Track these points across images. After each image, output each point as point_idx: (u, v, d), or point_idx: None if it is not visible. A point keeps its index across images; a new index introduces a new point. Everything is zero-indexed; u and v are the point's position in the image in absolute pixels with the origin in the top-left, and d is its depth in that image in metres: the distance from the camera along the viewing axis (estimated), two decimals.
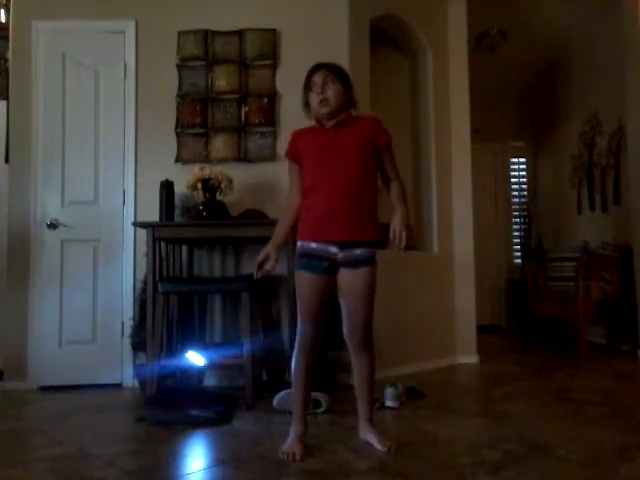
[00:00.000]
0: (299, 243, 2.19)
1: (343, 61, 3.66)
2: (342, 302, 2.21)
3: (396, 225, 2.14)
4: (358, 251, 2.13)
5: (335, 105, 2.15)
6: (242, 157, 3.68)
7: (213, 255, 3.71)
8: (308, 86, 2.18)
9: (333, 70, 2.18)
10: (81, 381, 3.55)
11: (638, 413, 2.74)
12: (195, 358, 3.16)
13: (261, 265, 2.18)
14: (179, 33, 3.73)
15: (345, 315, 2.21)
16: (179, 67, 3.74)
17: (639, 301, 4.39)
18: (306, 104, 2.22)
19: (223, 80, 3.73)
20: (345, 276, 2.15)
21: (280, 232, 2.25)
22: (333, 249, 2.13)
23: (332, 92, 2.14)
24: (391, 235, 2.13)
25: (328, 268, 2.14)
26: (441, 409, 2.89)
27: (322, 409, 2.79)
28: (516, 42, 5.87)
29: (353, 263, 2.13)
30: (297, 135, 2.28)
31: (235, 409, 2.82)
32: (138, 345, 3.47)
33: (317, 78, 2.16)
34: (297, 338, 2.20)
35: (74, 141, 3.70)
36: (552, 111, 6.62)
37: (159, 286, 3.08)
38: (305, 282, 2.16)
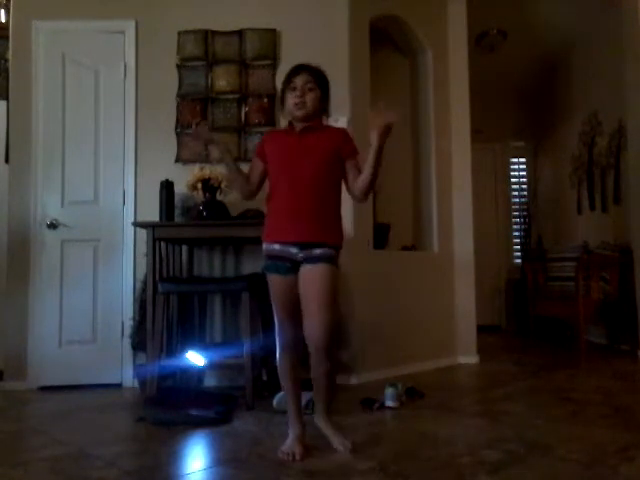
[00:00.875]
0: (264, 245, 2.21)
1: (343, 61, 3.69)
2: (302, 303, 2.14)
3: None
4: (318, 250, 2.12)
5: (311, 110, 2.16)
6: (242, 157, 3.68)
7: (213, 255, 3.71)
8: (288, 85, 2.19)
9: (315, 75, 2.18)
10: (81, 381, 3.55)
11: (638, 413, 2.74)
12: (195, 358, 3.16)
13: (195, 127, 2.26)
14: (179, 33, 3.73)
15: (304, 317, 2.14)
16: (179, 67, 3.74)
17: (639, 301, 4.39)
18: (282, 102, 2.23)
19: (223, 80, 3.73)
20: (303, 272, 2.13)
21: (232, 162, 2.26)
22: (294, 250, 2.13)
23: (310, 98, 2.15)
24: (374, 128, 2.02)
25: (291, 268, 2.14)
26: (441, 409, 2.89)
27: None
28: (516, 42, 5.86)
29: (312, 260, 2.12)
30: (267, 136, 2.34)
31: (235, 409, 2.82)
32: (138, 345, 3.47)
33: (299, 81, 2.16)
34: (277, 340, 2.20)
35: (74, 141, 3.70)
36: (552, 111, 6.62)
37: (159, 286, 3.08)
38: (273, 283, 2.18)
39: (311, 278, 2.11)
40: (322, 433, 2.25)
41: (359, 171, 2.17)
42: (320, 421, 2.27)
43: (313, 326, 2.10)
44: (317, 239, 2.13)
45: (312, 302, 2.10)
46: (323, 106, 2.21)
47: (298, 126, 2.20)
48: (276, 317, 2.20)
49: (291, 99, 2.16)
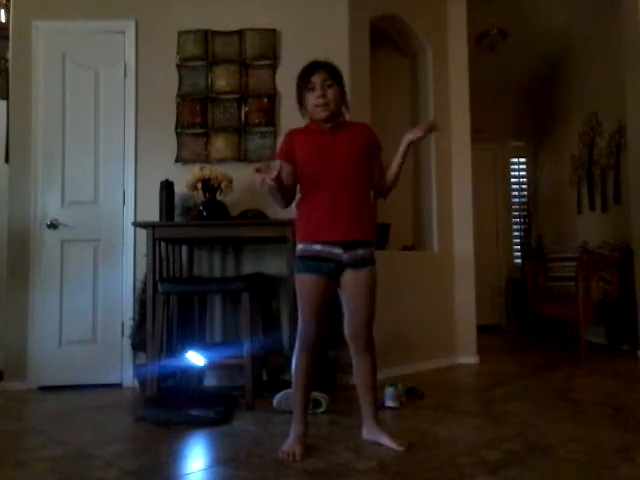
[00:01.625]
0: (300, 246, 2.18)
1: (343, 61, 3.67)
2: (345, 303, 2.21)
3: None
4: (361, 251, 2.15)
5: (334, 108, 2.15)
6: (242, 157, 3.68)
7: (213, 255, 3.71)
8: (306, 86, 2.15)
9: (332, 72, 2.16)
10: (81, 381, 3.55)
11: (638, 413, 2.74)
12: (195, 358, 3.16)
13: (260, 171, 2.00)
14: (179, 33, 3.73)
15: (348, 316, 2.21)
16: (179, 67, 3.74)
17: (639, 301, 4.39)
18: (300, 102, 2.19)
19: (223, 80, 3.73)
20: (349, 277, 2.16)
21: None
22: (337, 250, 2.13)
23: (332, 96, 2.13)
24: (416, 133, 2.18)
25: (333, 270, 2.14)
26: (441, 409, 2.89)
27: (322, 409, 2.79)
28: (516, 42, 5.87)
29: (357, 263, 2.14)
30: (293, 135, 2.24)
31: (235, 409, 2.82)
32: (138, 345, 3.47)
33: (317, 79, 2.13)
34: (298, 339, 2.19)
35: (74, 141, 3.70)
36: (552, 111, 6.62)
37: (159, 286, 3.08)
38: (309, 284, 2.14)
39: (359, 282, 2.16)
40: (376, 442, 2.24)
41: (382, 168, 2.26)
42: (372, 428, 2.26)
43: (359, 327, 2.19)
44: (360, 237, 2.14)
45: (361, 304, 2.17)
46: (343, 101, 2.21)
47: (326, 125, 2.18)
48: (301, 317, 2.18)
49: (312, 100, 2.13)
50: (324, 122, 2.18)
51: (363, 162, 2.19)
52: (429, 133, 2.20)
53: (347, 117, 2.28)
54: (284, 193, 2.14)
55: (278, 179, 2.00)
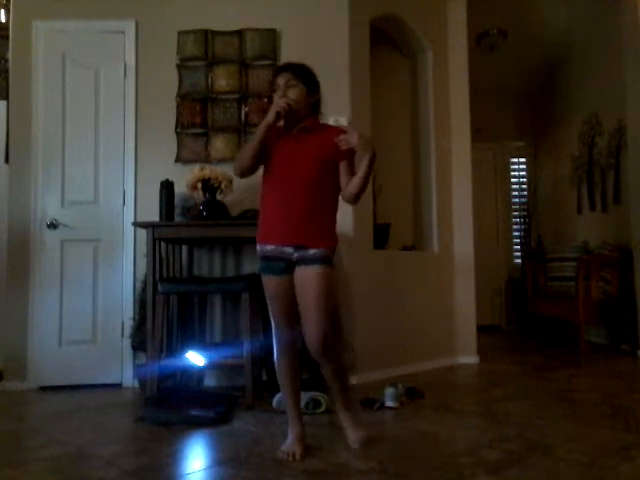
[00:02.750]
0: (258, 246, 2.19)
1: (343, 61, 3.69)
2: (298, 305, 2.14)
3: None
4: (312, 251, 2.10)
5: (295, 108, 2.11)
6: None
7: (213, 255, 3.71)
8: (272, 87, 2.18)
9: (296, 72, 2.16)
10: (81, 381, 3.55)
11: (638, 413, 2.74)
12: (195, 358, 3.16)
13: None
14: (179, 33, 3.73)
15: (302, 320, 2.13)
16: (179, 67, 3.74)
17: (639, 301, 4.39)
18: (270, 104, 2.20)
19: (223, 80, 3.73)
20: (298, 274, 2.12)
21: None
22: (288, 249, 2.12)
23: (293, 95, 2.12)
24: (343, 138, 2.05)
25: (286, 268, 2.13)
26: (441, 409, 2.89)
27: (322, 409, 2.79)
28: (516, 42, 5.87)
29: (307, 261, 2.10)
30: (275, 130, 2.21)
31: (235, 409, 2.82)
32: (138, 345, 3.47)
33: (280, 80, 2.14)
34: (274, 340, 2.19)
35: (74, 141, 3.70)
36: (552, 111, 6.62)
37: (159, 286, 3.08)
38: (268, 284, 2.16)
39: (306, 280, 2.09)
40: (340, 424, 2.27)
41: (352, 173, 2.15)
42: (339, 411, 2.28)
43: (311, 330, 2.09)
44: (310, 243, 2.11)
45: (308, 305, 2.09)
46: (310, 101, 2.17)
47: (295, 127, 2.17)
48: (272, 318, 2.19)
49: (275, 100, 2.14)
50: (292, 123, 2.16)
51: (325, 166, 2.13)
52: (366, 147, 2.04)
53: (329, 120, 2.26)
54: (257, 152, 2.12)
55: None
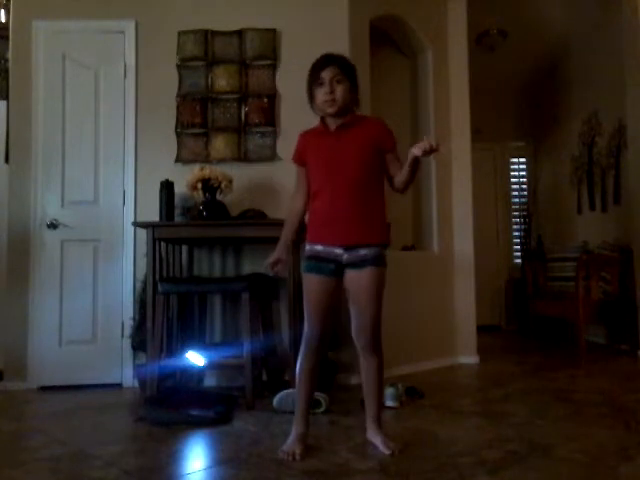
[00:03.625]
0: (307, 246, 2.19)
1: None
2: (350, 303, 2.18)
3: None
4: (363, 251, 2.11)
5: (342, 105, 2.11)
6: (242, 157, 3.68)
7: (213, 255, 3.71)
8: (316, 81, 2.12)
9: (343, 67, 2.13)
10: (81, 381, 3.55)
11: (638, 413, 2.74)
12: (195, 358, 3.16)
13: (273, 266, 2.24)
14: (179, 33, 3.73)
15: (353, 316, 2.18)
16: (179, 67, 3.74)
17: (639, 301, 4.39)
18: (311, 98, 2.17)
19: (223, 80, 3.73)
20: (351, 276, 2.13)
21: (285, 235, 2.27)
22: (338, 251, 2.12)
23: (341, 92, 2.10)
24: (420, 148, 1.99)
25: (335, 270, 2.13)
26: (441, 409, 2.89)
27: (322, 409, 2.79)
28: (516, 42, 5.87)
29: (358, 263, 2.11)
30: (303, 137, 2.26)
31: (235, 409, 2.82)
32: (138, 345, 3.47)
33: (326, 75, 2.10)
34: (303, 339, 2.19)
35: (74, 141, 3.70)
36: (552, 111, 6.62)
37: (159, 286, 3.08)
38: (312, 284, 2.15)
39: (360, 283, 2.11)
40: (370, 441, 2.22)
41: (399, 162, 2.16)
42: (370, 428, 2.24)
43: (365, 331, 2.14)
44: (359, 241, 2.11)
45: (363, 304, 2.12)
46: (354, 97, 2.16)
47: (332, 123, 2.16)
48: (306, 316, 2.17)
49: (320, 95, 2.11)
50: (332, 118, 2.15)
51: (369, 161, 2.13)
52: (428, 154, 2.00)
53: (357, 112, 2.23)
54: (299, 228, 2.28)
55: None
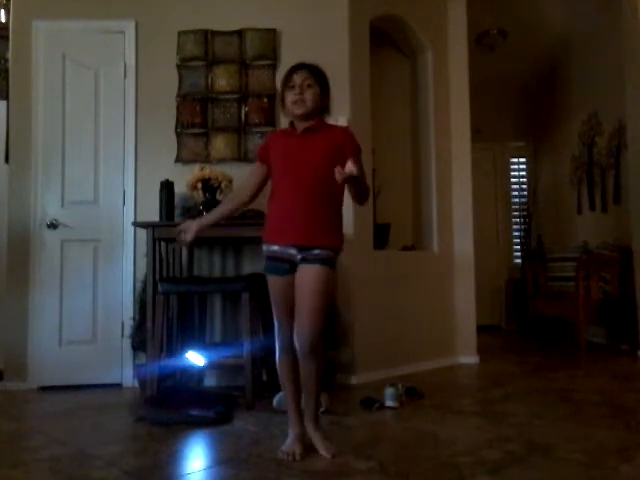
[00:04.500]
0: (264, 246, 2.21)
1: (343, 61, 3.69)
2: (295, 303, 2.14)
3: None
4: (316, 251, 2.11)
5: (310, 108, 2.14)
6: (242, 157, 3.68)
7: (213, 255, 3.71)
8: (287, 84, 2.18)
9: (314, 73, 2.17)
10: (81, 381, 3.55)
11: (638, 413, 2.74)
12: (195, 358, 3.16)
13: (179, 233, 2.30)
14: (179, 33, 3.73)
15: (295, 316, 2.14)
16: (179, 67, 3.74)
17: (639, 301, 4.39)
18: (282, 101, 2.22)
19: (223, 80, 3.73)
20: (299, 272, 2.13)
21: (214, 213, 2.37)
22: (292, 251, 2.13)
23: (310, 95, 2.14)
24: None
25: (290, 269, 2.14)
26: (441, 409, 2.89)
27: (322, 409, 2.78)
28: (516, 42, 5.87)
29: (308, 260, 2.11)
30: (270, 138, 2.33)
31: (235, 409, 2.82)
32: (138, 345, 3.47)
33: (297, 78, 2.15)
34: (276, 341, 2.20)
35: (74, 141, 3.70)
36: (552, 111, 6.62)
37: (159, 286, 3.08)
38: (273, 284, 2.19)
39: (305, 278, 2.10)
40: (309, 437, 2.20)
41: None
42: (309, 423, 2.22)
43: (302, 328, 2.10)
44: (314, 242, 2.11)
45: (303, 303, 2.10)
46: (323, 104, 2.20)
47: (299, 126, 2.18)
48: (275, 318, 2.20)
49: (290, 97, 2.16)
50: (299, 121, 2.18)
51: (328, 168, 2.08)
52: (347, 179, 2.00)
53: (329, 120, 2.27)
54: (230, 212, 2.36)
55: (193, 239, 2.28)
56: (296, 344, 2.12)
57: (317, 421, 2.24)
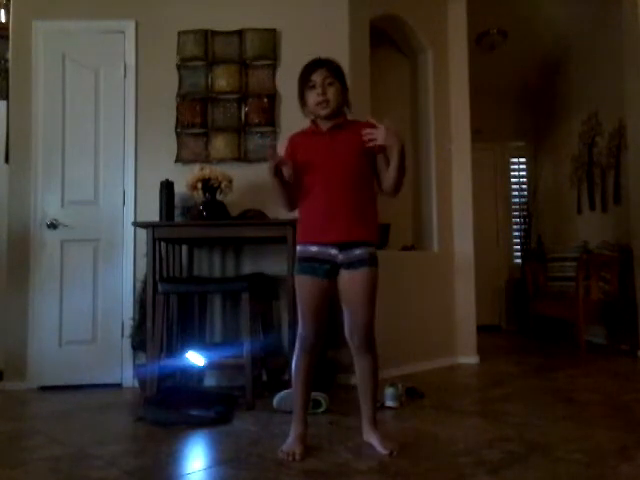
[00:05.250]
0: (299, 247, 2.19)
1: (343, 61, 3.62)
2: (343, 303, 2.19)
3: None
4: (358, 251, 2.12)
5: (335, 106, 2.14)
6: (242, 157, 3.68)
7: (213, 255, 3.71)
8: (307, 84, 2.15)
9: (333, 69, 2.16)
10: (81, 381, 3.55)
11: (638, 413, 2.74)
12: (195, 358, 3.16)
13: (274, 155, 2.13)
14: (179, 33, 3.73)
15: (346, 316, 2.19)
16: (179, 67, 3.74)
17: (639, 301, 4.39)
18: (302, 101, 2.20)
19: (223, 80, 3.73)
20: (345, 277, 2.14)
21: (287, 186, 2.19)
22: (333, 251, 2.13)
23: (332, 94, 2.13)
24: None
25: (329, 271, 2.14)
26: (441, 409, 2.89)
27: (322, 409, 2.79)
28: (516, 42, 5.87)
29: (353, 264, 2.12)
30: (293, 139, 2.28)
31: (235, 409, 2.82)
32: (138, 345, 3.47)
33: (317, 77, 2.13)
34: (297, 340, 2.20)
35: (74, 141, 3.70)
36: (552, 111, 6.62)
37: (159, 286, 3.08)
38: (306, 285, 2.15)
39: (355, 283, 2.12)
40: (368, 442, 2.22)
41: (388, 164, 2.15)
42: (366, 429, 2.24)
43: (358, 329, 2.15)
44: (355, 238, 2.12)
45: (358, 303, 2.13)
46: (345, 98, 2.19)
47: (324, 125, 2.17)
48: (300, 318, 2.18)
49: (313, 98, 2.13)
50: (324, 120, 2.17)
51: (361, 162, 2.15)
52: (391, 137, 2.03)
53: (349, 116, 2.26)
54: (285, 191, 2.18)
55: (278, 167, 2.10)
56: (350, 343, 2.19)
57: (375, 423, 2.25)
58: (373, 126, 2.12)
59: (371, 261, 2.14)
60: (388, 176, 2.14)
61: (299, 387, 2.22)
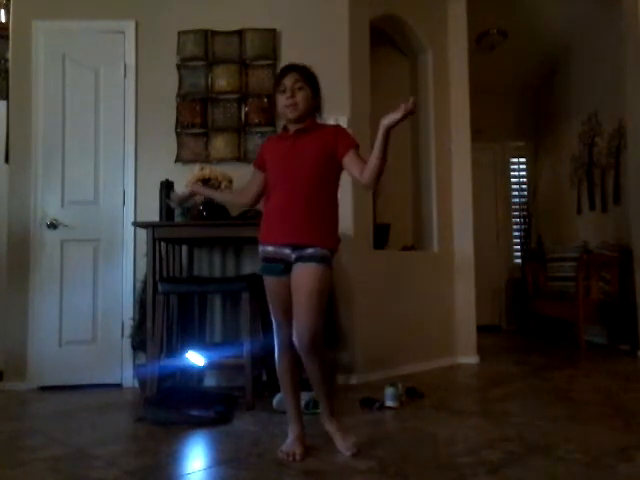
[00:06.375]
0: (260, 247, 2.21)
1: (343, 61, 3.69)
2: (292, 301, 2.13)
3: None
4: (310, 250, 2.10)
5: (302, 111, 2.15)
6: (242, 157, 3.68)
7: (213, 255, 3.71)
8: (278, 88, 2.19)
9: (304, 74, 2.18)
10: (81, 381, 3.55)
11: (638, 413, 2.74)
12: (195, 358, 3.16)
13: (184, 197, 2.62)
14: (179, 33, 3.73)
15: (293, 316, 2.12)
16: (179, 67, 3.74)
17: (639, 301, 4.39)
18: (274, 105, 2.24)
19: (223, 80, 3.73)
20: (294, 271, 2.12)
21: (214, 192, 2.68)
22: (287, 250, 2.13)
23: (301, 98, 2.14)
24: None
25: (285, 269, 2.14)
26: (441, 409, 2.89)
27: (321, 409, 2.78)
28: (516, 42, 5.87)
29: (303, 258, 2.10)
30: (264, 144, 2.35)
31: (235, 409, 2.82)
32: (138, 345, 3.47)
33: (287, 81, 2.15)
34: (275, 339, 2.21)
35: (74, 141, 3.70)
36: (552, 111, 6.62)
37: (159, 286, 3.08)
38: (270, 285, 2.19)
39: (301, 278, 2.09)
40: (327, 432, 2.24)
41: (362, 160, 2.11)
42: (324, 420, 2.26)
43: (301, 328, 2.07)
44: (309, 241, 2.11)
45: (301, 303, 2.08)
46: (315, 104, 2.21)
47: (292, 128, 2.20)
48: (273, 318, 2.21)
49: (282, 101, 2.16)
50: (293, 124, 2.19)
51: (324, 167, 2.14)
52: (405, 117, 1.94)
53: (319, 121, 2.26)
54: (222, 198, 2.80)
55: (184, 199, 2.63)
56: (296, 344, 2.10)
57: (333, 418, 2.24)
58: (336, 130, 2.23)
59: (321, 259, 2.09)
60: (369, 167, 2.05)
61: (287, 388, 2.23)
